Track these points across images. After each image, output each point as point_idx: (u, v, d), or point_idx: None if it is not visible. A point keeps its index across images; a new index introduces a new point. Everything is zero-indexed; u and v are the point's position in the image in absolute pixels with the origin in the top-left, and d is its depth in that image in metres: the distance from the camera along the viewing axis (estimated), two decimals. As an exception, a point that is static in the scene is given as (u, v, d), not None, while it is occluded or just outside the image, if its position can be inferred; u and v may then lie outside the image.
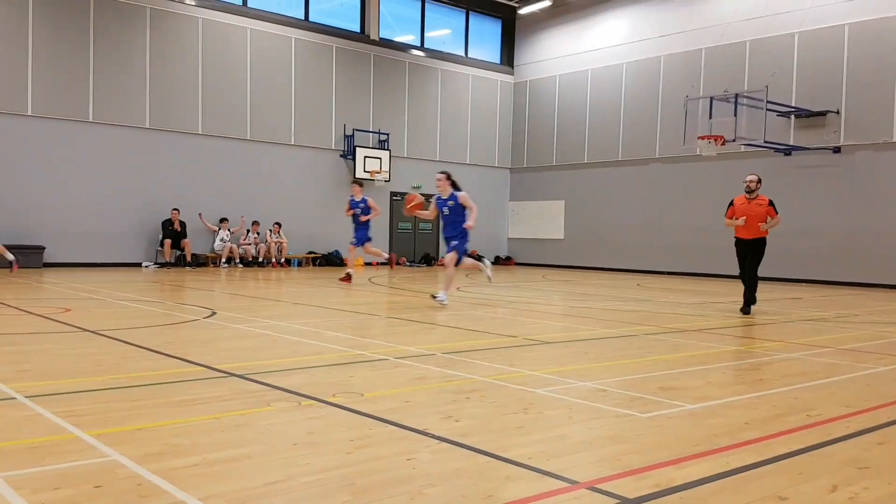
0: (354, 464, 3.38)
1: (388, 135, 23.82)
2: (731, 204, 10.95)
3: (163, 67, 19.63)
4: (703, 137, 18.46)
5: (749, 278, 10.80)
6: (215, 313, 9.31)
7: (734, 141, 18.19)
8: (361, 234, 15.01)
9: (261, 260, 20.79)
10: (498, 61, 27.33)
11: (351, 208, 15.01)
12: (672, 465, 3.47)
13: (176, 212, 19.41)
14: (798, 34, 19.77)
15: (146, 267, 19.07)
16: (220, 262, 20.11)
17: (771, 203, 10.73)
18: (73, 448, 3.51)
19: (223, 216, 20.39)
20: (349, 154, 22.95)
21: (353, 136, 23.03)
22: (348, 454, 3.52)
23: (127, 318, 8.79)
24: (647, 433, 4.08)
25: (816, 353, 7.19)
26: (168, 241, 19.26)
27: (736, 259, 11.16)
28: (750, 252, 10.90)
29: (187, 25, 20.05)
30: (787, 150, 19.70)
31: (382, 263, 15.88)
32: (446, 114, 25.74)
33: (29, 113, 17.76)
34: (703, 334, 8.49)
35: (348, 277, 15.05)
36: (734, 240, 11.07)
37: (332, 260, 22.49)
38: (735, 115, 18.19)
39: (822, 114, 19.20)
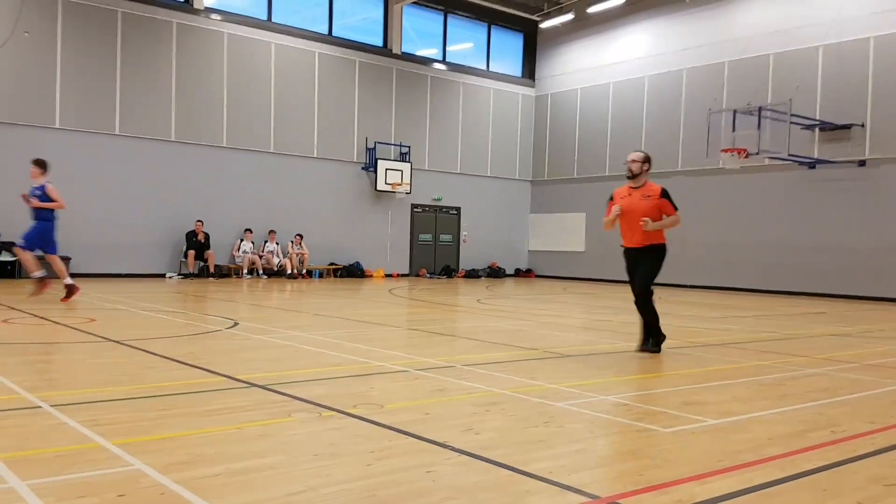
0: (375, 476, 3.39)
1: (409, 147, 23.92)
2: (611, 199, 7.76)
3: (188, 81, 19.89)
4: (726, 150, 18.36)
5: (637, 303, 7.62)
6: (238, 324, 9.38)
7: (758, 154, 18.06)
8: (34, 234, 11.66)
9: (289, 272, 20.90)
10: (519, 74, 27.39)
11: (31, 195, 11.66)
12: (695, 480, 3.44)
13: (200, 223, 19.60)
14: (822, 47, 19.63)
15: (170, 278, 19.26)
16: (242, 272, 20.26)
17: (665, 194, 7.49)
18: (97, 457, 3.55)
19: (247, 227, 20.55)
20: (371, 167, 23.07)
21: (374, 148, 23.16)
22: (369, 466, 3.53)
23: (151, 329, 8.88)
24: (670, 448, 4.04)
25: (841, 369, 7.09)
26: (192, 253, 19.44)
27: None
28: (638, 267, 7.64)
29: (213, 40, 20.32)
30: (812, 164, 19.53)
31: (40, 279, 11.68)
32: (467, 126, 25.81)
33: (57, 126, 18.06)
34: (726, 348, 8.42)
35: (44, 284, 11.68)
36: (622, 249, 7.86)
37: (354, 271, 22.57)
38: (758, 128, 18.07)
39: (847, 127, 19.01)
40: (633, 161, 7.58)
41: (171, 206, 19.55)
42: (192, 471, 3.36)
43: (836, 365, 7.34)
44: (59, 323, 9.01)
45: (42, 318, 9.56)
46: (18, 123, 17.52)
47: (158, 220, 19.41)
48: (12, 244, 17.01)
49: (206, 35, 20.22)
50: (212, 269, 19.60)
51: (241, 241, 20.52)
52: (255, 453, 3.70)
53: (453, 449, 3.83)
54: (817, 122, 19.25)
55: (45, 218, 11.47)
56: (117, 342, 7.44)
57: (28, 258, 11.63)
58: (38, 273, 11.60)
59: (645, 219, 7.25)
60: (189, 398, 4.98)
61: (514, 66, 27.39)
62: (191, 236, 19.56)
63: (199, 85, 20.07)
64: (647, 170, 7.57)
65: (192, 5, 19.96)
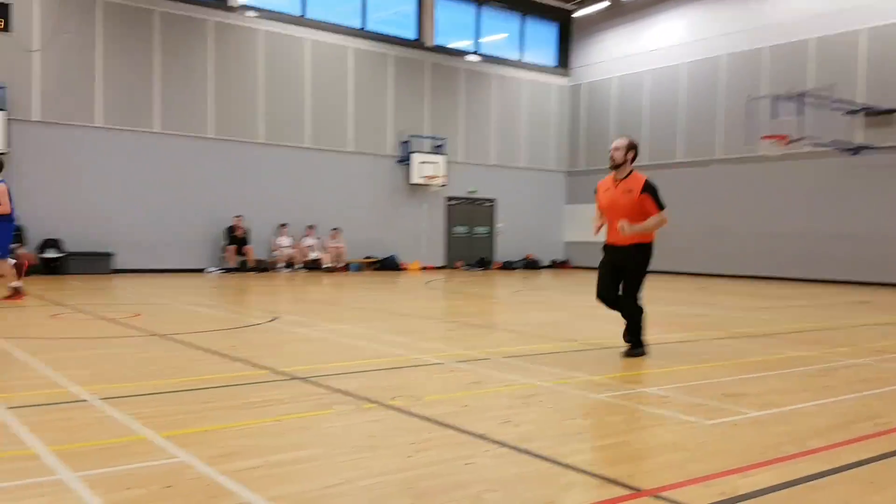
0: (414, 468, 3.41)
1: (444, 140, 23.91)
2: (595, 191, 7.00)
3: (225, 78, 20.12)
4: (766, 137, 18.01)
5: (623, 310, 6.76)
6: (278, 317, 9.49)
7: (799, 141, 17.69)
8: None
9: (326, 265, 21.06)
10: (554, 64, 27.17)
11: None
12: (737, 473, 3.41)
13: (238, 218, 19.85)
14: (865, 30, 19.14)
15: (210, 272, 19.55)
16: (280, 266, 20.47)
17: (648, 188, 6.49)
18: (143, 449, 3.64)
19: (284, 222, 20.76)
20: (405, 160, 23.13)
21: (408, 142, 23.20)
22: (408, 458, 3.56)
23: (194, 323, 9.03)
24: (711, 440, 4.00)
25: (886, 359, 6.94)
26: (231, 247, 19.72)
27: None
28: (619, 268, 6.68)
29: (249, 37, 20.52)
30: (855, 150, 19.07)
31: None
32: (502, 118, 25.71)
33: (99, 124, 18.41)
34: (768, 339, 8.29)
35: (17, 294, 10.70)
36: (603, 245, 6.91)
37: (390, 264, 22.67)
38: (800, 114, 17.70)
39: (892, 112, 18.52)
40: (616, 149, 6.59)
41: (211, 202, 19.83)
42: (234, 463, 3.41)
43: (881, 355, 7.19)
44: (105, 318, 9.21)
45: (89, 313, 9.78)
46: (61, 123, 17.89)
47: (198, 216, 19.70)
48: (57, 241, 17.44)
49: (241, 32, 20.42)
50: (251, 264, 19.85)
51: (280, 235, 20.74)
52: (296, 445, 3.75)
53: (492, 441, 3.84)
54: (861, 107, 18.78)
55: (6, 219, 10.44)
56: (162, 336, 7.59)
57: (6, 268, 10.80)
58: (17, 283, 10.87)
59: (622, 223, 6.34)
60: (231, 391, 5.06)
61: (549, 56, 27.19)
62: (230, 231, 19.82)
63: (235, 82, 20.30)
64: (633, 158, 6.63)
65: (227, 3, 20.17)
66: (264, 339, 7.76)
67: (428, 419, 4.28)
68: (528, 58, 26.53)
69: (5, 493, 2.99)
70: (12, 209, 10.54)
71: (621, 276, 6.68)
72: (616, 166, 6.64)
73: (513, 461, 3.54)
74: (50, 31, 17.75)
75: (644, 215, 6.47)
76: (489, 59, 25.33)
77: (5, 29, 16.43)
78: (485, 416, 4.40)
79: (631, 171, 6.65)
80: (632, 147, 6.64)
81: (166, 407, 4.55)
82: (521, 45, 26.42)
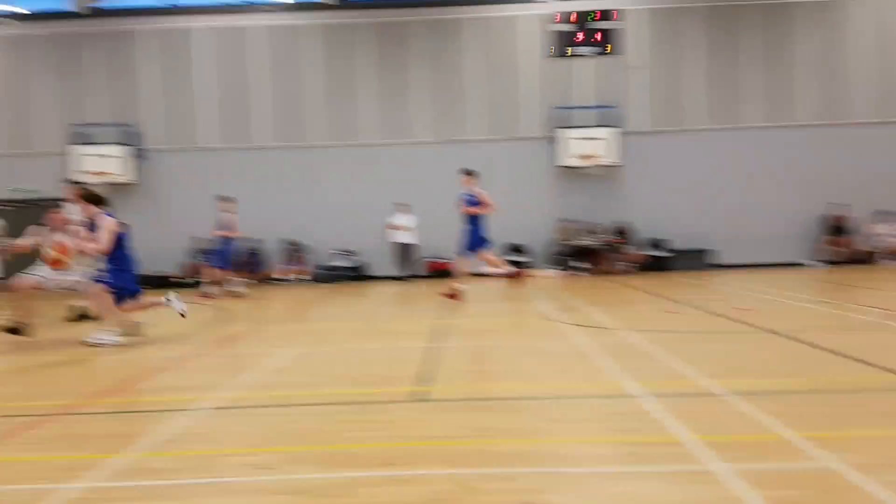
0: None
1: None
2: None
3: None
4: None
5: None
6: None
7: None
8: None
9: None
10: None
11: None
12: None
13: (838, 206, 18.50)
14: None
15: (809, 265, 18.64)
16: (886, 258, 18.32)
17: None
18: (785, 449, 3.69)
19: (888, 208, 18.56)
20: None
21: None
22: None
23: (804, 319, 8.75)
24: None
25: None
26: (830, 238, 18.51)
27: None
28: None
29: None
30: None
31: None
32: None
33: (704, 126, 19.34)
34: None
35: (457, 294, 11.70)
36: None
37: None
38: None
39: None
40: None
41: (803, 191, 18.96)
42: (890, 475, 3.19)
43: None
44: (715, 313, 9.53)
45: (699, 308, 10.29)
46: (664, 130, 19.23)
47: (791, 207, 19.01)
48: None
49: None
50: (852, 256, 18.25)
51: (881, 223, 18.57)
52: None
53: None
54: None
55: (470, 223, 11.94)
56: (777, 333, 7.47)
57: (490, 258, 12.31)
58: (502, 269, 12.60)
59: None
60: (864, 396, 4.75)
61: None
62: (826, 221, 18.62)
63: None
64: None
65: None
66: (888, 340, 7.06)
67: None
68: None
69: (658, 475, 3.36)
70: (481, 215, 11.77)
71: None
72: None
73: None
74: (653, 47, 19.33)
75: None
76: None
77: (616, 52, 18.56)
78: None
79: None
80: None
81: (798, 407, 4.52)
82: None
